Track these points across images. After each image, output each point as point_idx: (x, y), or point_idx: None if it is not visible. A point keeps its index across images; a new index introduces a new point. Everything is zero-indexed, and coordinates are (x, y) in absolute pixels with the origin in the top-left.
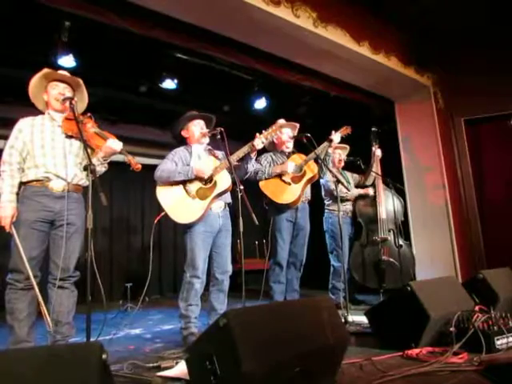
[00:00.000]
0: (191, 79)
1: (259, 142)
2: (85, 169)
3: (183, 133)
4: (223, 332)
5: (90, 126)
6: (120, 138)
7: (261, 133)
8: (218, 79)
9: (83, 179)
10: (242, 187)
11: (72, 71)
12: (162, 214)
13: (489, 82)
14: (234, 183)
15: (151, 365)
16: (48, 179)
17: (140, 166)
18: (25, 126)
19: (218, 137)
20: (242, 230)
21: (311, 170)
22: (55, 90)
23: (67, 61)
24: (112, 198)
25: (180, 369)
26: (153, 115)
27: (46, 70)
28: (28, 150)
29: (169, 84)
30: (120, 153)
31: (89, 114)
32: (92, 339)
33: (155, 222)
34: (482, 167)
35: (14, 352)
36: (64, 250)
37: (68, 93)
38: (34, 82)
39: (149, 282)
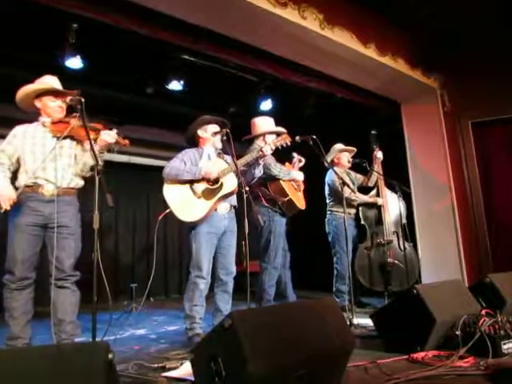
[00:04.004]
0: (197, 81)
1: (268, 148)
2: (91, 169)
3: (200, 132)
4: (228, 333)
5: (76, 121)
6: (126, 139)
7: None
8: (223, 81)
9: (74, 181)
10: (247, 188)
11: (79, 73)
12: (167, 211)
13: (496, 85)
14: (239, 186)
15: (156, 365)
16: (37, 184)
17: (128, 142)
18: (18, 132)
19: (224, 138)
20: (247, 231)
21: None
22: (54, 103)
23: (74, 62)
24: (117, 199)
25: (185, 369)
26: (159, 117)
27: (50, 86)
28: (19, 155)
29: (175, 85)
30: (116, 143)
31: (73, 114)
32: (97, 339)
33: (159, 218)
34: (489, 170)
35: (22, 350)
36: (57, 251)
37: (63, 104)
38: (32, 89)
39: (154, 283)
